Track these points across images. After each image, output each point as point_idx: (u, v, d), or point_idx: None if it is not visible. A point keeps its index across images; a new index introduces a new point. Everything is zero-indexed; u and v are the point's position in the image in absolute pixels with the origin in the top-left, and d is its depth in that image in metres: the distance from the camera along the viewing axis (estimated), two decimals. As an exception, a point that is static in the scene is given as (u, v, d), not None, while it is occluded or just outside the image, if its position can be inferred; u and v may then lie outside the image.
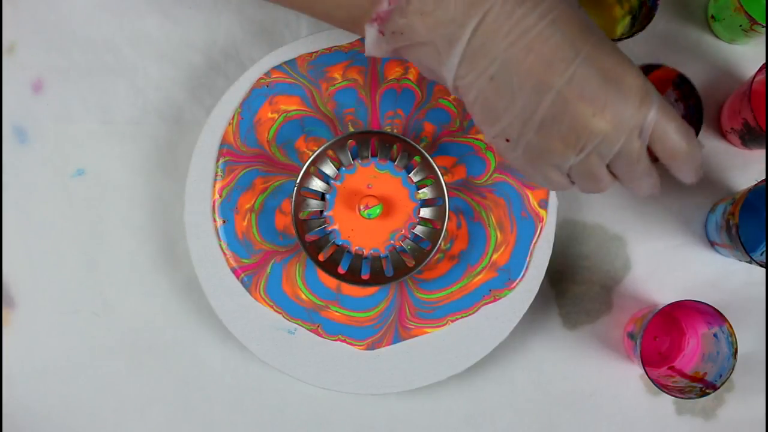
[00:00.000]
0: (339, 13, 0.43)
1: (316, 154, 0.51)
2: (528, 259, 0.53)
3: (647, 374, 0.49)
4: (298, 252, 0.53)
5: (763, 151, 0.56)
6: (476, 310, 0.53)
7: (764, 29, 0.53)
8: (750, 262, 0.50)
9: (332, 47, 0.54)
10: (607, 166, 0.41)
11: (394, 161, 0.53)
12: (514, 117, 0.39)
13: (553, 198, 0.53)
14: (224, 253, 0.53)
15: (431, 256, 0.51)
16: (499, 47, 0.37)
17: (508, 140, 0.40)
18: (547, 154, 0.40)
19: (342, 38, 0.54)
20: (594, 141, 0.38)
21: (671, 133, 0.39)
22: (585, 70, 0.37)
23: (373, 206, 0.52)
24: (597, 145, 0.39)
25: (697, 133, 0.50)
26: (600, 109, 0.38)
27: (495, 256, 0.53)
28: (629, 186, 0.42)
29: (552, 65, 0.37)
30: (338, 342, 0.53)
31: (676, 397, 0.49)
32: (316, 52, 0.54)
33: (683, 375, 0.52)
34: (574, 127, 0.38)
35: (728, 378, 0.49)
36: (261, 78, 0.54)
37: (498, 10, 0.37)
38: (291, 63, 0.54)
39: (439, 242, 0.51)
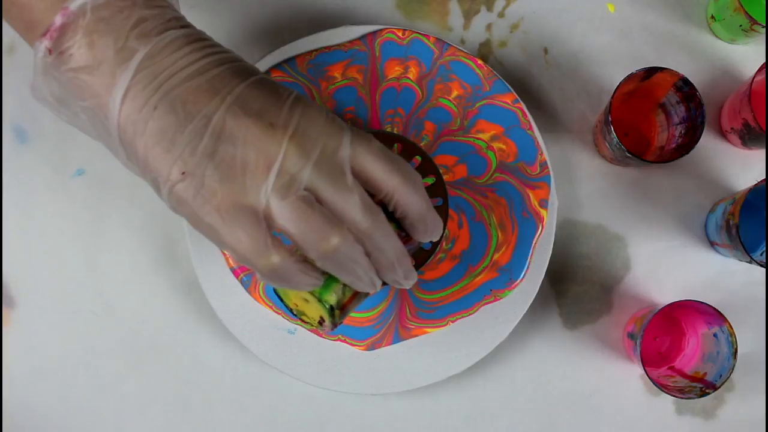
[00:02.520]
0: (18, 25, 0.37)
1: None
2: (529, 259, 0.53)
3: (647, 374, 0.49)
4: (298, 252, 0.53)
5: (763, 151, 0.56)
6: (476, 310, 0.53)
7: (764, 29, 0.53)
8: (750, 262, 0.50)
9: (332, 46, 0.54)
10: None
11: (395, 161, 0.53)
12: (185, 145, 0.34)
13: (553, 198, 0.53)
14: (224, 253, 0.53)
15: (432, 256, 0.51)
16: (161, 77, 0.34)
17: (184, 173, 0.34)
18: (232, 186, 0.34)
19: (341, 38, 0.54)
20: (276, 155, 0.34)
21: (374, 163, 0.36)
22: (255, 90, 0.35)
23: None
24: (282, 163, 0.34)
25: (699, 136, 0.50)
26: (275, 121, 0.35)
27: (496, 256, 0.53)
28: (374, 252, 0.37)
29: (216, 90, 0.35)
30: (338, 342, 0.53)
31: (676, 397, 0.49)
32: (316, 51, 0.54)
33: (683, 375, 0.52)
34: (249, 143, 0.34)
35: (728, 378, 0.49)
36: (261, 78, 0.54)
37: (166, 44, 0.35)
38: (291, 62, 0.54)
39: (441, 242, 0.51)
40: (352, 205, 0.35)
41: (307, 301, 0.39)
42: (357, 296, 0.39)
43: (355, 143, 0.36)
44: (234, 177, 0.34)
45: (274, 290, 0.41)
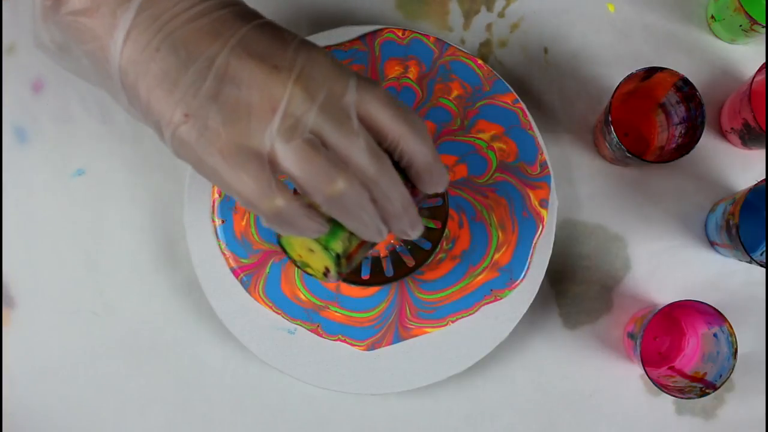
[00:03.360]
0: None
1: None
2: (529, 259, 0.53)
3: (647, 374, 0.49)
4: (298, 252, 0.53)
5: (763, 151, 0.56)
6: (477, 310, 0.53)
7: (764, 29, 0.53)
8: (750, 262, 0.50)
9: (331, 46, 0.54)
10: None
11: (395, 161, 0.53)
12: (187, 87, 0.34)
13: (553, 198, 0.53)
14: (223, 254, 0.53)
15: (433, 256, 0.51)
16: (163, 19, 0.34)
17: (187, 115, 0.34)
18: (236, 128, 0.33)
19: (341, 38, 0.54)
20: (281, 97, 0.33)
21: (381, 110, 0.35)
22: (259, 32, 0.35)
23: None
24: (287, 105, 0.33)
25: (699, 136, 0.50)
26: (279, 63, 0.34)
27: (497, 256, 0.53)
28: (379, 199, 0.36)
29: (219, 32, 0.34)
30: (338, 342, 0.53)
31: (676, 397, 0.49)
32: (316, 51, 0.54)
33: (683, 375, 0.52)
34: (253, 85, 0.34)
35: (728, 378, 0.49)
36: (261, 78, 0.54)
37: None
38: (291, 63, 0.54)
39: (441, 242, 0.51)
40: (358, 150, 0.34)
41: (312, 251, 0.38)
42: (363, 246, 0.39)
43: (361, 89, 0.35)
44: (238, 119, 0.33)
45: (278, 241, 0.40)
